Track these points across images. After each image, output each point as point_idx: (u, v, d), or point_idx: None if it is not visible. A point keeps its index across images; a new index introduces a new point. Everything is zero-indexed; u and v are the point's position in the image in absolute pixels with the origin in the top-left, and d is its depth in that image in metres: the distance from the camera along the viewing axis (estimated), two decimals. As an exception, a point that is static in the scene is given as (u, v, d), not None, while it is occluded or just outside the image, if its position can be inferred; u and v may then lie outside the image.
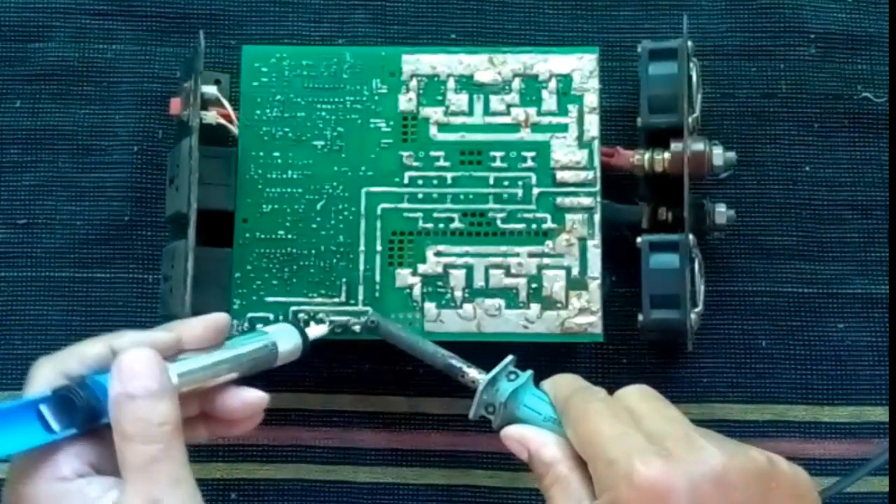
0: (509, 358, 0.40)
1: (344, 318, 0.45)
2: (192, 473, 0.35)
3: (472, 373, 0.40)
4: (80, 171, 0.50)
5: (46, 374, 0.35)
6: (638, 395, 0.37)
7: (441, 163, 0.46)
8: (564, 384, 0.39)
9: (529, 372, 0.39)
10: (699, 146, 0.46)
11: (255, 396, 0.39)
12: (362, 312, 0.45)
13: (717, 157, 0.46)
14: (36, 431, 0.34)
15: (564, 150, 0.46)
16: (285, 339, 0.41)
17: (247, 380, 0.40)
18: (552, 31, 0.51)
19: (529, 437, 0.37)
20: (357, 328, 0.44)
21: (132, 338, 0.36)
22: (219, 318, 0.39)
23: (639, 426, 0.35)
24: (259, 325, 0.42)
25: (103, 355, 0.36)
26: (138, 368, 0.34)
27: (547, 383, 0.39)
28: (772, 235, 0.49)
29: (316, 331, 0.43)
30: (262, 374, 0.47)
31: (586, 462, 0.35)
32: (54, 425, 0.34)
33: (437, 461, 0.48)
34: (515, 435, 0.38)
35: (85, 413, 0.34)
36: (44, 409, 0.34)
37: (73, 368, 0.35)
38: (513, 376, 0.39)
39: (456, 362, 0.41)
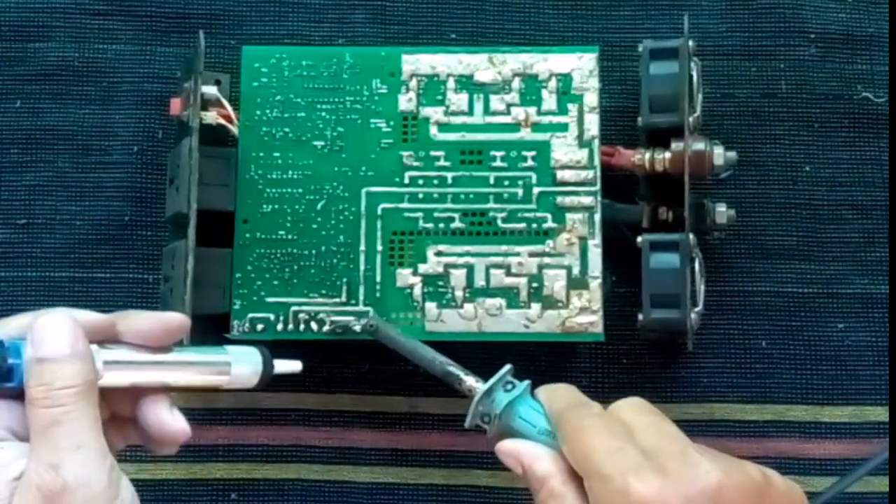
0: (507, 367, 0.40)
1: (344, 319, 0.45)
2: (103, 440, 0.33)
3: (470, 381, 0.40)
4: (80, 171, 0.50)
5: None
6: (633, 409, 0.37)
7: (441, 162, 0.46)
8: (559, 396, 0.38)
9: (526, 382, 0.39)
10: (700, 146, 0.46)
11: (175, 424, 0.37)
12: (363, 313, 0.45)
13: (717, 156, 0.46)
14: None
15: (565, 150, 0.46)
16: (244, 363, 0.39)
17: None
18: (552, 30, 0.51)
19: (523, 452, 0.37)
20: (357, 328, 0.44)
21: (58, 311, 0.35)
22: (171, 318, 0.37)
23: (634, 441, 0.35)
24: (227, 346, 0.39)
25: (27, 327, 0.35)
26: (50, 333, 0.34)
27: (542, 393, 0.39)
28: (772, 235, 0.49)
29: (288, 366, 0.41)
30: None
31: (581, 477, 0.35)
32: None
33: (436, 461, 0.48)
34: (509, 449, 0.38)
35: None
36: None
37: None
38: (509, 386, 0.39)
39: (454, 369, 0.40)
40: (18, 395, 0.34)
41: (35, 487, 0.32)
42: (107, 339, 0.36)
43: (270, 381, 0.40)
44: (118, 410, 0.36)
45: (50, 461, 0.32)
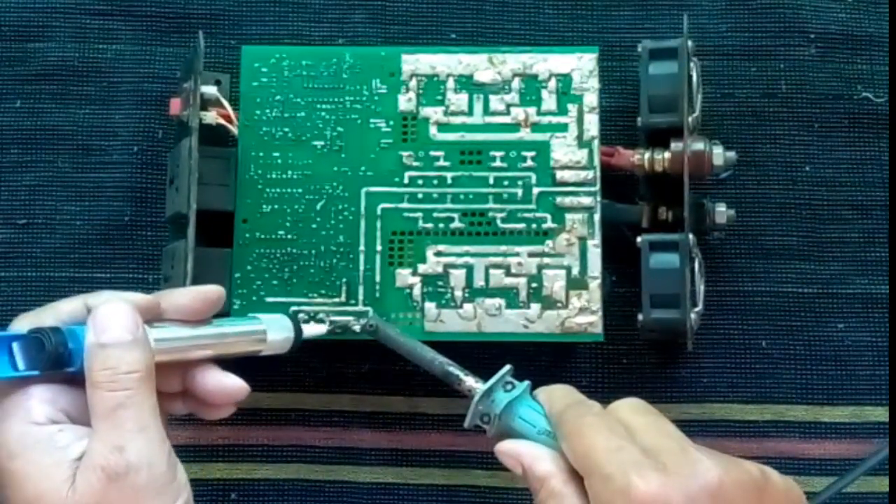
0: (507, 368, 0.40)
1: (344, 318, 0.45)
2: (161, 424, 0.35)
3: (470, 381, 0.40)
4: (80, 171, 0.50)
5: (24, 327, 0.36)
6: (632, 409, 0.37)
7: (441, 163, 0.46)
8: (559, 396, 0.38)
9: (526, 383, 0.39)
10: (699, 146, 0.46)
11: (234, 384, 0.39)
12: (362, 312, 0.45)
13: (717, 156, 0.46)
14: (2, 365, 0.35)
15: (564, 150, 0.46)
16: (277, 330, 0.41)
17: (240, 368, 0.40)
18: (552, 31, 0.51)
19: (523, 452, 0.37)
20: (357, 328, 0.44)
21: (108, 295, 0.37)
22: (209, 290, 0.39)
23: (634, 440, 0.35)
24: (258, 314, 0.42)
25: (78, 311, 0.36)
26: (112, 320, 0.35)
27: (542, 394, 0.39)
28: (772, 235, 0.49)
29: (314, 329, 0.44)
30: (263, 374, 0.47)
31: (582, 476, 0.35)
32: (20, 363, 0.35)
33: (436, 461, 0.48)
34: (509, 450, 0.38)
35: (50, 356, 0.35)
36: (15, 347, 0.35)
37: (47, 322, 0.36)
38: (509, 387, 0.39)
39: (454, 370, 0.40)
40: (74, 379, 0.35)
41: (100, 468, 0.33)
42: (153, 318, 0.37)
43: (300, 347, 0.42)
44: (164, 388, 0.37)
45: (115, 443, 0.34)
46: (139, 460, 0.34)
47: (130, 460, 0.34)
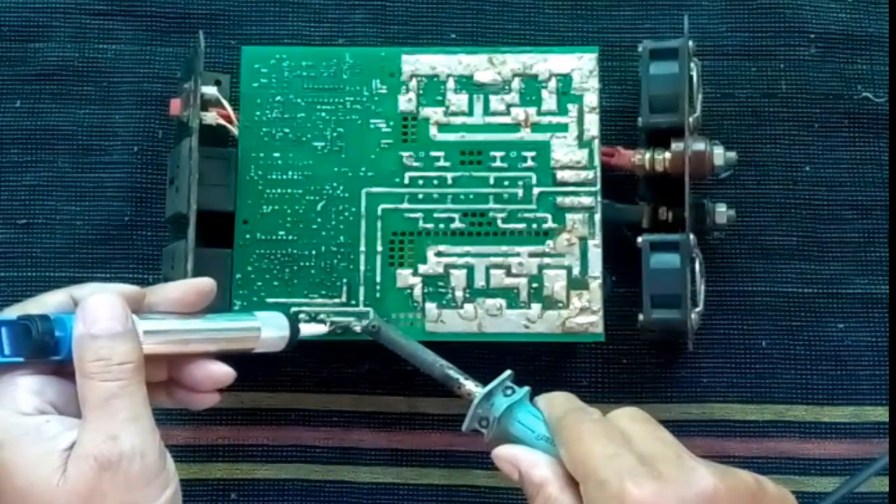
0: (507, 373, 0.39)
1: (345, 319, 0.45)
2: (151, 413, 0.35)
3: (469, 385, 0.40)
4: (80, 171, 0.50)
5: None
6: (630, 418, 0.37)
7: (441, 163, 0.46)
8: (559, 402, 0.38)
9: (526, 388, 0.39)
10: (700, 146, 0.46)
11: (220, 369, 0.39)
12: (363, 313, 0.45)
13: (717, 156, 0.46)
14: None
15: (564, 150, 0.46)
16: (272, 327, 0.41)
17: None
18: (552, 31, 0.51)
19: (520, 458, 0.37)
20: (358, 329, 0.44)
21: (94, 287, 0.37)
22: (201, 283, 0.39)
23: (631, 448, 0.35)
24: (255, 312, 0.41)
25: (65, 303, 0.37)
26: (102, 311, 0.35)
27: (541, 401, 0.39)
28: (772, 235, 0.49)
29: (312, 329, 0.43)
30: (263, 374, 0.48)
31: (578, 483, 0.35)
32: (6, 349, 0.35)
33: (436, 461, 0.48)
34: (506, 455, 0.38)
35: (37, 343, 0.35)
36: (3, 332, 0.35)
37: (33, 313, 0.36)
38: (509, 391, 0.39)
39: (453, 373, 0.40)
40: (61, 370, 0.36)
41: (93, 458, 0.34)
42: (138, 309, 0.37)
43: (299, 347, 0.42)
44: (150, 377, 0.37)
45: (108, 432, 0.34)
46: (132, 449, 0.34)
47: (124, 449, 0.34)
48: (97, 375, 0.34)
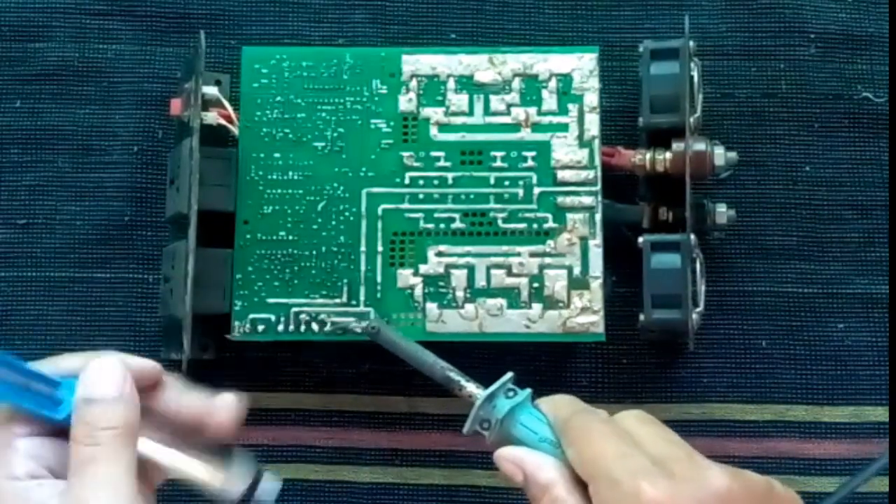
0: (509, 375, 0.39)
1: (345, 320, 0.45)
2: (135, 483, 0.34)
3: (470, 387, 0.40)
4: (80, 171, 0.50)
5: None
6: (637, 420, 0.37)
7: (442, 163, 0.46)
8: (564, 404, 0.38)
9: (528, 390, 0.39)
10: (700, 146, 0.46)
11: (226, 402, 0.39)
12: (364, 313, 0.45)
13: (718, 156, 0.46)
14: None
15: (565, 150, 0.46)
16: (233, 482, 0.38)
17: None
18: (552, 31, 0.51)
19: (526, 459, 0.37)
20: (358, 330, 0.44)
21: (111, 354, 0.37)
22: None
23: (642, 448, 0.35)
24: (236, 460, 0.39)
25: (79, 368, 0.36)
26: (100, 375, 0.35)
27: (545, 404, 0.39)
28: (772, 235, 0.49)
29: (267, 490, 0.39)
30: (263, 374, 0.48)
31: (586, 483, 0.35)
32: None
33: (436, 461, 0.48)
34: (510, 456, 0.37)
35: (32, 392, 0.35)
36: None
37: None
38: (511, 394, 0.39)
39: (454, 375, 0.40)
40: (63, 431, 0.35)
41: None
42: (154, 386, 0.37)
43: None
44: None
45: (80, 496, 0.34)
46: None
47: None
48: (81, 439, 0.34)
